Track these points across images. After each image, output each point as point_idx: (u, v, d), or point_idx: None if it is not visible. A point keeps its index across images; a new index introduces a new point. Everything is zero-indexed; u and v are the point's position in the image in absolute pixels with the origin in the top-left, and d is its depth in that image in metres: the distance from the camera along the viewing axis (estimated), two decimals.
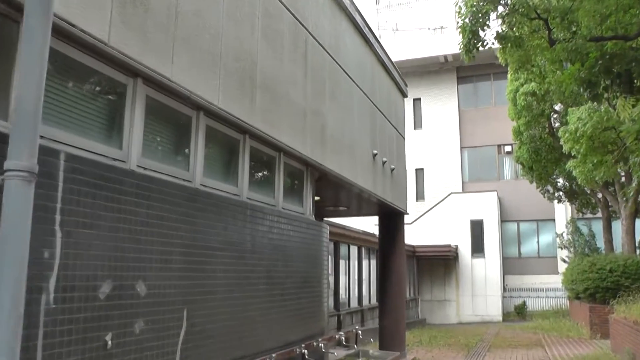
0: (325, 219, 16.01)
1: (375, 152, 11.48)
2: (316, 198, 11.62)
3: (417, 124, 37.40)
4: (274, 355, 6.22)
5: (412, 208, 35.57)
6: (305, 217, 7.94)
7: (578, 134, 14.66)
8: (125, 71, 4.69)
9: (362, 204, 13.08)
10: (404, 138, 14.61)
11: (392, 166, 12.93)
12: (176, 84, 5.12)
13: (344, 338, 8.70)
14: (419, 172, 36.87)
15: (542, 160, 23.75)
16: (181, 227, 5.09)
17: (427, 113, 37.26)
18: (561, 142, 16.16)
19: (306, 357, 6.89)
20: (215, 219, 5.62)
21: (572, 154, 15.93)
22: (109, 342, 4.13)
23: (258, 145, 6.72)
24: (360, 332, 9.45)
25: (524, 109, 21.24)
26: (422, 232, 31.81)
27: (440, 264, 31.50)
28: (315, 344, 7.38)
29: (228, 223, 5.83)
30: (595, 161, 14.67)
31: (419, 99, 37.58)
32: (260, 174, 7.03)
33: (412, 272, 29.31)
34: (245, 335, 6.03)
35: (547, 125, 22.90)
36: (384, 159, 12.20)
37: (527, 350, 16.41)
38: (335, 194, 11.46)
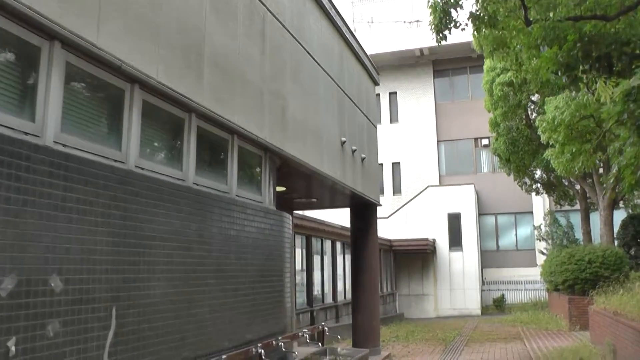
0: (296, 211, 15.44)
1: (343, 139, 10.93)
2: (281, 188, 11.08)
3: (394, 118, 36.96)
4: (224, 356, 5.63)
5: (389, 202, 35.21)
6: (263, 206, 7.36)
7: (556, 123, 14.22)
8: (39, 32, 4.08)
9: (333, 195, 12.53)
10: (375, 127, 14.08)
11: (363, 155, 12.38)
12: (104, 52, 4.52)
13: (308, 336, 8.12)
14: (396, 166, 36.44)
15: (520, 152, 23.34)
16: (111, 213, 4.49)
17: (403, 107, 36.83)
18: (539, 132, 15.71)
19: (263, 357, 6.31)
20: (154, 205, 5.03)
21: (550, 144, 15.49)
22: (12, 349, 3.51)
23: (207, 125, 6.13)
24: (327, 328, 8.89)
25: (500, 100, 20.80)
26: (399, 226, 31.39)
27: (417, 257, 31.07)
28: (274, 342, 6.81)
29: (170, 210, 5.24)
30: (573, 150, 14.22)
31: (395, 93, 37.17)
32: (210, 157, 6.44)
33: (389, 266, 28.87)
34: (191, 335, 5.44)
35: (524, 117, 22.48)
36: (354, 147, 11.65)
37: (505, 344, 15.96)
38: (302, 183, 10.89)
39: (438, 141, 35.90)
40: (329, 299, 19.18)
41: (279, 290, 7.53)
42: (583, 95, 13.07)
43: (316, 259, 18.61)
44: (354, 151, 11.63)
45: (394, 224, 31.74)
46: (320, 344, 8.80)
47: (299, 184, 10.96)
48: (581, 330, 17.63)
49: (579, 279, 18.68)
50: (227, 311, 6.04)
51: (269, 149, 7.49)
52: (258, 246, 6.95)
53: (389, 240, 28.75)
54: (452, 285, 30.69)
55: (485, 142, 33.77)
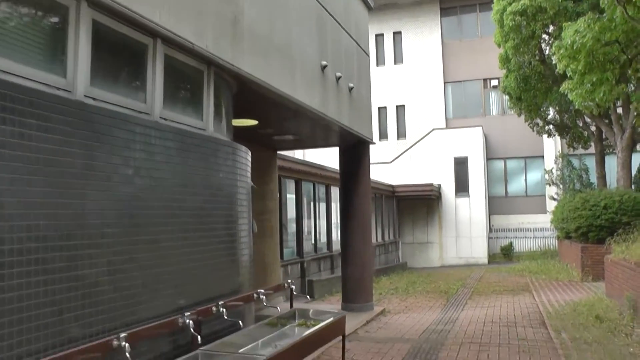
0: (280, 152, 13.92)
1: (324, 63, 9.29)
2: (251, 122, 9.54)
3: (398, 59, 35.15)
4: (122, 334, 4.15)
5: (393, 147, 33.67)
6: (205, 134, 5.79)
7: (575, 48, 12.49)
8: None
9: (316, 130, 10.96)
10: (368, 56, 12.37)
11: (351, 84, 10.74)
12: None
13: (264, 297, 6.65)
14: (400, 109, 34.79)
15: (532, 89, 21.55)
16: None
17: (408, 47, 34.95)
18: (554, 61, 13.96)
19: (192, 328, 4.84)
20: (18, 123, 3.49)
21: (568, 75, 13.75)
22: None
23: (110, 21, 4.53)
24: (293, 286, 7.40)
25: (511, 31, 18.88)
26: (402, 171, 29.92)
27: (422, 204, 29.65)
28: (214, 308, 5.33)
29: (42, 130, 3.69)
30: (594, 80, 12.51)
31: (399, 33, 35.26)
32: (117, 64, 4.85)
33: (391, 213, 27.47)
34: (74, 307, 3.95)
35: (537, 51, 20.59)
36: (338, 74, 10.01)
37: (512, 297, 14.57)
38: (274, 115, 9.34)
39: (445, 83, 34.11)
40: (323, 249, 17.78)
41: (228, 242, 6.03)
42: (613, 10, 11.31)
43: (308, 206, 17.15)
44: (338, 78, 10.00)
45: (397, 169, 30.24)
46: (278, 308, 7.29)
47: (272, 116, 9.41)
48: (594, 281, 16.24)
49: (593, 226, 17.21)
50: (138, 271, 4.54)
51: (213, 63, 5.89)
52: (196, 185, 5.43)
53: (392, 186, 27.28)
54: (458, 232, 29.33)
55: (494, 83, 31.98)
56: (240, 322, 5.48)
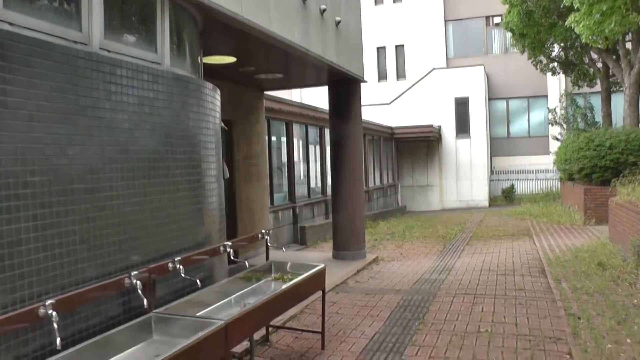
0: (267, 92, 13.20)
1: None
2: (229, 59, 8.83)
3: None
4: (48, 302, 3.56)
5: (393, 88, 32.81)
6: (160, 69, 5.08)
7: None
8: None
9: (301, 68, 10.22)
10: None
11: (338, 18, 9.95)
12: None
13: (232, 250, 6.05)
14: (399, 48, 33.81)
15: (536, 25, 20.59)
16: None
17: None
18: None
19: (139, 288, 4.24)
20: None
21: (575, 7, 12.85)
22: None
23: None
24: (268, 237, 6.77)
25: None
26: (402, 113, 29.16)
27: (421, 146, 28.98)
28: (170, 265, 4.72)
29: None
30: (604, 9, 11.64)
31: None
32: None
33: (390, 156, 26.83)
34: (3, 269, 3.35)
35: None
36: (323, 7, 9.22)
37: (512, 242, 14.04)
38: (252, 51, 8.61)
39: (446, 21, 33.02)
40: (316, 194, 17.19)
41: (190, 189, 5.39)
42: None
43: (300, 149, 16.49)
44: (323, 11, 9.21)
45: (396, 111, 29.47)
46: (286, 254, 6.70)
47: (250, 53, 8.67)
48: (597, 224, 15.70)
49: (597, 167, 16.54)
50: (74, 225, 3.92)
51: None
52: (147, 126, 4.75)
53: (390, 128, 26.56)
54: (458, 175, 28.73)
55: (497, 20, 30.90)
56: (197, 280, 4.87)
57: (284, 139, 15.25)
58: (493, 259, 11.51)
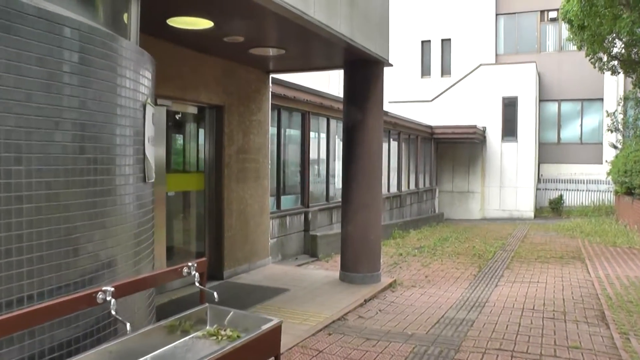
0: (277, 76, 11.17)
1: None
2: (206, 23, 6.84)
3: None
4: None
5: (436, 84, 30.46)
6: (32, 5, 3.04)
7: None
8: None
9: (306, 42, 8.14)
10: None
11: None
12: None
13: (196, 273, 3.96)
14: (446, 43, 31.41)
15: (598, 15, 18.08)
16: None
17: None
18: None
19: None
20: None
21: None
22: None
23: None
24: (196, 272, 4.51)
25: None
26: (444, 111, 26.87)
27: (464, 148, 26.62)
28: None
29: None
30: None
31: None
32: None
33: (428, 158, 24.56)
34: None
35: None
36: None
37: (561, 267, 11.74)
38: (234, 14, 6.60)
39: (497, 14, 30.47)
40: (336, 197, 15.01)
41: (81, 196, 3.35)
42: None
43: (319, 145, 14.39)
44: None
45: (438, 109, 27.19)
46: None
47: (227, 12, 6.63)
48: None
49: None
50: None
51: None
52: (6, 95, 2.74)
53: (430, 127, 24.26)
54: (502, 182, 26.28)
55: (553, 15, 28.32)
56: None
57: (298, 132, 13.17)
58: (538, 292, 9.25)
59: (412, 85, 31.37)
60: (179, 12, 6.65)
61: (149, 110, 4.62)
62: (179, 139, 9.59)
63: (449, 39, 31.30)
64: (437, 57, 31.54)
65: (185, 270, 4.15)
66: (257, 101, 10.31)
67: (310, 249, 12.54)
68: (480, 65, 27.37)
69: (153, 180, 4.93)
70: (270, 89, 10.79)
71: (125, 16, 4.76)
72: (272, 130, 11.99)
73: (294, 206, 12.73)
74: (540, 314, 7.80)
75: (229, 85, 9.48)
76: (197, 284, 4.15)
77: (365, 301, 8.22)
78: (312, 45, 8.35)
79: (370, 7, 8.71)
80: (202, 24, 7.00)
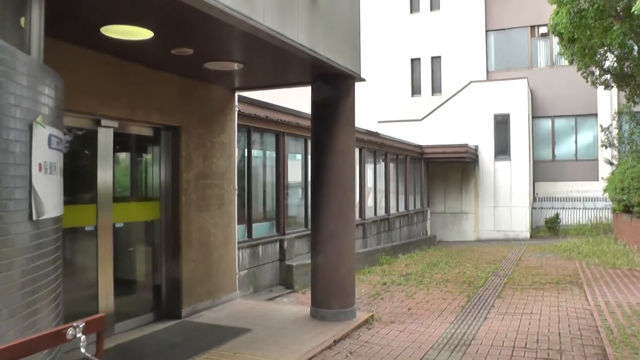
0: (246, 94, 10.35)
1: None
2: (143, 33, 6.05)
3: (434, 4, 31.06)
4: None
5: (427, 103, 29.75)
6: None
7: None
8: None
9: (265, 55, 7.30)
10: None
11: None
12: None
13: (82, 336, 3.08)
14: (436, 60, 30.80)
15: (588, 27, 17.33)
16: None
17: None
18: None
19: None
20: None
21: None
22: None
23: None
24: (82, 335, 3.62)
25: None
26: (434, 130, 26.12)
27: (455, 168, 25.80)
28: None
29: None
30: None
31: None
32: None
33: (418, 178, 23.71)
34: None
35: None
36: None
37: (557, 294, 10.86)
38: (173, 22, 5.81)
39: (487, 31, 29.91)
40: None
41: None
42: None
43: (295, 167, 13.55)
44: None
45: (428, 128, 26.44)
46: None
47: (169, 23, 5.85)
48: None
49: None
50: None
51: None
52: None
53: (420, 147, 23.46)
54: (496, 202, 25.44)
55: (543, 30, 27.62)
56: None
57: (272, 154, 12.32)
58: (532, 326, 8.34)
59: (402, 104, 30.70)
60: (111, 20, 5.83)
61: (39, 131, 3.78)
62: (130, 164, 8.72)
63: (439, 57, 30.70)
64: (427, 75, 30.90)
65: (70, 332, 3.25)
66: (221, 121, 9.47)
67: (286, 280, 11.63)
68: (471, 82, 26.69)
69: (55, 216, 4.09)
70: (237, 108, 9.95)
71: (21, 22, 3.95)
72: (243, 152, 11.16)
73: (268, 234, 11.83)
74: (533, 354, 6.90)
75: (186, 104, 8.64)
76: (82, 350, 3.23)
77: (335, 342, 7.30)
78: (272, 59, 7.52)
79: (336, 15, 7.90)
80: (141, 33, 6.17)
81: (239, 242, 10.12)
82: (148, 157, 8.81)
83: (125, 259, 8.19)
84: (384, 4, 31.39)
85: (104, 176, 7.42)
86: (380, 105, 30.72)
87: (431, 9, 31.02)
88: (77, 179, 7.41)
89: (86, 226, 7.23)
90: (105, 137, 7.52)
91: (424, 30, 30.83)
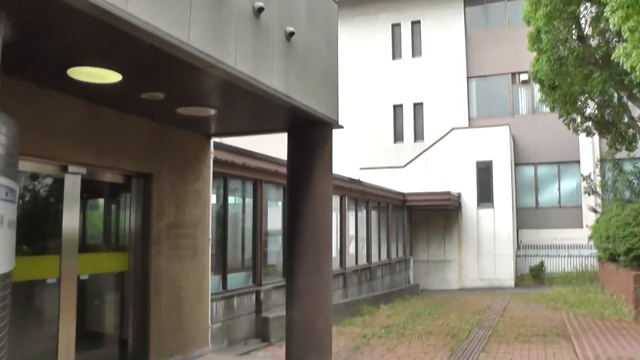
0: (222, 140, 10.08)
1: None
2: (111, 76, 5.78)
3: (416, 51, 31.20)
4: None
5: (409, 150, 29.63)
6: None
7: None
8: None
9: (237, 101, 7.04)
10: (335, 2, 8.43)
11: (290, 29, 6.76)
12: None
13: None
14: (418, 107, 30.79)
15: (568, 74, 17.30)
16: None
17: (427, 38, 30.96)
18: (606, 13, 9.84)
19: None
20: None
21: (623, 35, 9.65)
22: None
23: None
24: None
25: None
26: (417, 178, 25.93)
27: (438, 216, 25.55)
28: None
29: None
30: None
31: (418, 22, 31.33)
32: None
33: (401, 226, 23.43)
34: None
35: (574, 25, 16.41)
36: (258, 4, 6.04)
37: (544, 348, 10.50)
38: (141, 65, 5.56)
39: (468, 77, 30.07)
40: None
41: None
42: None
43: (275, 215, 13.21)
44: (258, 10, 6.03)
45: (411, 175, 26.25)
46: None
47: (137, 65, 5.59)
48: None
49: None
50: None
51: None
52: None
53: (402, 194, 23.24)
54: (480, 250, 25.16)
55: (524, 77, 27.65)
56: None
57: (249, 202, 12.00)
58: None
59: (384, 150, 30.60)
60: (78, 62, 5.54)
61: None
62: (99, 213, 8.35)
63: (421, 103, 30.75)
64: (409, 121, 30.88)
65: None
66: (195, 169, 9.15)
67: (262, 333, 11.19)
68: (453, 129, 26.67)
69: (2, 273, 3.76)
70: (212, 155, 9.65)
71: None
72: (219, 200, 10.83)
73: (244, 285, 11.42)
74: None
75: (159, 150, 8.33)
76: None
77: None
78: (247, 104, 7.25)
79: (313, 60, 7.67)
80: (109, 76, 5.87)
81: (213, 294, 9.72)
82: (118, 205, 8.45)
83: (90, 312, 7.76)
84: (367, 51, 31.51)
85: (70, 225, 7.04)
86: (362, 152, 30.59)
87: (413, 55, 31.19)
88: (41, 228, 7.04)
89: (48, 278, 6.83)
90: (72, 184, 7.16)
91: (406, 76, 30.94)
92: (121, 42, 4.79)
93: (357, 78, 31.08)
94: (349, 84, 30.73)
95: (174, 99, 6.96)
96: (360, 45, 31.47)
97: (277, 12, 6.55)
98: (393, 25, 31.55)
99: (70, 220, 7.05)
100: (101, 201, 8.36)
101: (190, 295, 8.88)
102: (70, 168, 7.06)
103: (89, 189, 7.69)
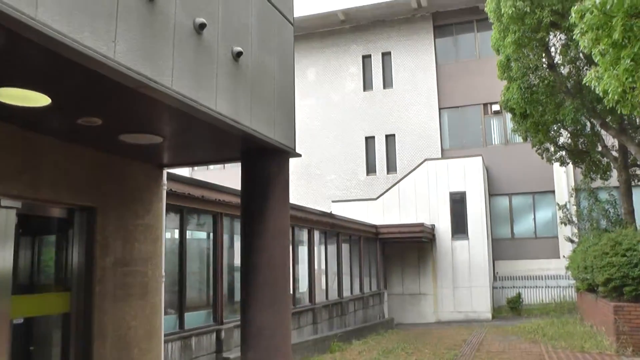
0: (176, 171, 9.54)
1: None
2: (38, 99, 5.24)
3: (387, 83, 31.12)
4: None
5: (382, 182, 29.28)
6: None
7: (607, 9, 8.08)
8: None
9: (183, 127, 6.53)
10: (291, 24, 8.00)
11: (238, 48, 6.29)
12: None
13: None
14: (390, 139, 30.58)
15: (540, 103, 17.06)
16: None
17: (398, 69, 30.94)
18: (575, 36, 9.49)
19: None
20: None
21: (594, 58, 9.33)
22: None
23: None
24: None
25: (512, 22, 14.48)
26: (389, 210, 25.53)
27: (412, 248, 25.06)
28: None
29: None
30: (636, 50, 8.06)
31: (389, 53, 31.32)
32: None
33: (374, 259, 22.93)
34: None
35: (544, 52, 16.21)
36: (199, 20, 5.57)
37: None
38: (69, 84, 5.00)
39: (440, 109, 30.03)
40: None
41: None
42: None
43: (235, 249, 12.64)
44: (200, 27, 5.56)
45: (383, 207, 25.83)
46: None
47: (66, 86, 5.05)
48: (636, 355, 11.65)
49: (629, 278, 12.68)
50: None
51: None
52: None
53: (375, 227, 22.78)
54: (455, 282, 24.70)
55: (496, 107, 27.55)
56: None
57: (209, 236, 11.43)
58: None
59: (357, 182, 30.25)
60: (3, 82, 5.00)
61: None
62: (36, 250, 7.73)
63: (393, 135, 30.57)
64: (382, 153, 30.62)
65: None
66: (146, 202, 8.58)
67: None
68: (426, 160, 26.37)
69: None
70: (166, 187, 9.09)
71: None
72: (175, 235, 10.26)
73: (203, 323, 10.78)
74: None
75: (104, 182, 7.75)
76: None
77: None
78: (195, 131, 6.73)
79: (265, 83, 7.19)
80: (38, 99, 5.31)
81: (167, 334, 9.07)
82: (59, 241, 7.85)
83: (28, 357, 7.11)
84: (338, 82, 31.31)
85: (2, 265, 6.42)
86: (335, 184, 30.22)
87: (384, 87, 31.09)
88: None
89: None
90: (5, 219, 6.54)
91: (378, 108, 30.78)
92: (40, 57, 4.30)
93: (328, 110, 30.83)
94: (320, 116, 30.46)
95: (114, 125, 6.42)
96: (331, 78, 31.30)
97: (222, 30, 6.08)
98: (364, 57, 31.47)
99: (3, 259, 6.44)
100: (40, 237, 7.75)
101: (139, 337, 8.24)
102: (3, 202, 6.47)
103: (26, 224, 7.07)
